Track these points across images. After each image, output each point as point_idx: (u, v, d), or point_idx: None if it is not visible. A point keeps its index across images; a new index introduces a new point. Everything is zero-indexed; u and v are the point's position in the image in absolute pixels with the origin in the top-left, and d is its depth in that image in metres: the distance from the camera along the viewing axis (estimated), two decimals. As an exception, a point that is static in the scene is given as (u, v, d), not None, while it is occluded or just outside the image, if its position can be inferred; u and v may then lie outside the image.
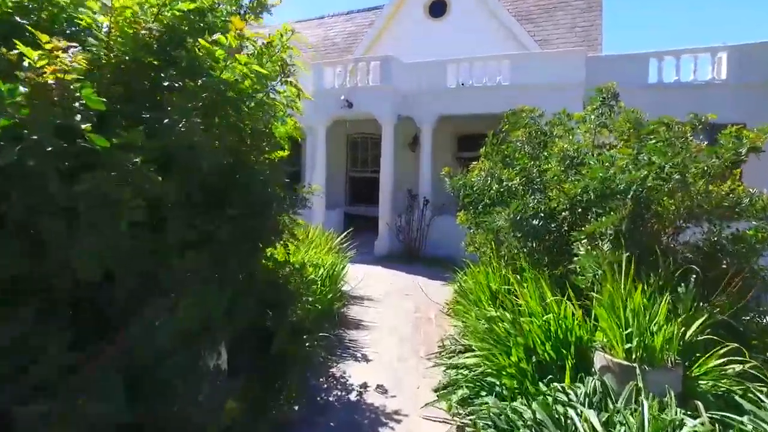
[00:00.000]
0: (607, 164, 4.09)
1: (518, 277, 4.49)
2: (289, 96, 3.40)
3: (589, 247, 3.83)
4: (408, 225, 10.02)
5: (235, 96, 2.80)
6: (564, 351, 3.39)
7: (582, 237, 3.96)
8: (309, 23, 19.01)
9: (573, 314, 3.54)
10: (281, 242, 3.77)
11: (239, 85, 2.78)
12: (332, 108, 10.80)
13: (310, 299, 4.78)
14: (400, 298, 7.06)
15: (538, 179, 4.95)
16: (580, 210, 4.40)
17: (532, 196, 4.78)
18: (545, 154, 5.09)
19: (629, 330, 3.04)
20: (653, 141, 4.02)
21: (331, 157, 15.44)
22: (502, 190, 5.06)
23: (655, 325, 3.01)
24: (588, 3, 14.48)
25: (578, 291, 3.72)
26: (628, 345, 2.99)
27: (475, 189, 5.39)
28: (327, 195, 14.74)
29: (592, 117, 5.07)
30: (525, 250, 4.67)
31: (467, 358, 4.04)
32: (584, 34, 13.83)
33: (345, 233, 8.85)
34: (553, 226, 4.60)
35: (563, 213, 4.54)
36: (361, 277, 7.49)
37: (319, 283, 5.43)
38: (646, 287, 3.22)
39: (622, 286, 3.27)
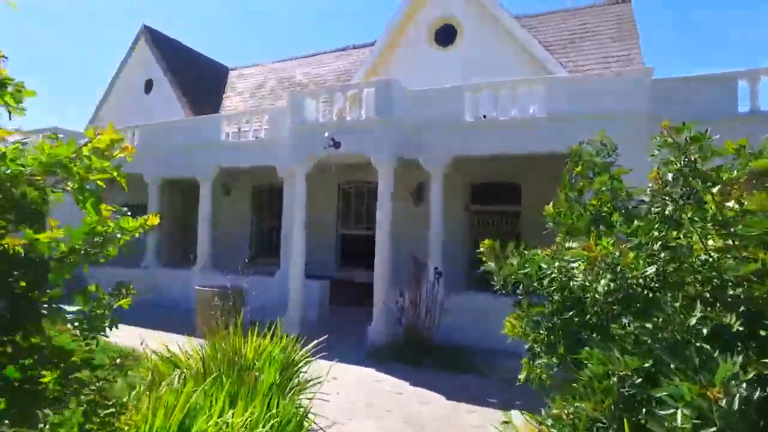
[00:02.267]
0: None
1: None
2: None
3: None
4: (414, 305, 7.29)
5: None
6: None
7: None
8: (300, 61, 17.08)
9: None
10: None
11: None
12: (314, 148, 8.33)
13: None
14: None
15: (701, 267, 2.30)
16: None
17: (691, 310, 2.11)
18: (695, 218, 2.46)
19: None
20: None
21: (317, 211, 12.89)
22: (621, 288, 2.38)
23: None
24: (619, 31, 12.39)
25: None
26: None
27: (558, 286, 2.69)
28: (310, 257, 12.08)
29: None
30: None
31: None
32: (620, 65, 11.60)
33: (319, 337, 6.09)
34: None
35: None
36: (340, 399, 4.70)
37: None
38: None
39: None
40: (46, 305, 1.57)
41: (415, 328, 7.23)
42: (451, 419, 4.72)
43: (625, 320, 2.32)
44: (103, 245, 1.73)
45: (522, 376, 2.84)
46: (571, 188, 3.26)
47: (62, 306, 1.65)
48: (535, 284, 2.91)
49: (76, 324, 1.69)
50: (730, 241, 2.11)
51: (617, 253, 2.43)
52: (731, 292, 2.10)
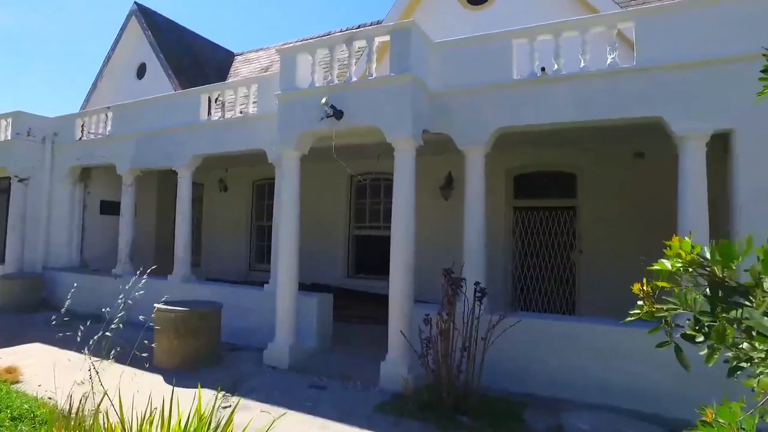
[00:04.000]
0: None
1: None
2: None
3: None
4: (445, 335, 5.09)
5: None
6: None
7: None
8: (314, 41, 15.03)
9: None
10: None
11: None
12: (309, 122, 6.23)
13: None
14: None
15: None
16: None
17: None
18: None
19: None
20: None
21: (323, 209, 10.82)
22: None
23: None
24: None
25: None
26: None
27: None
28: (313, 264, 10.00)
29: None
30: None
31: None
32: None
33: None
34: None
35: None
36: None
37: None
38: None
39: None
40: None
41: (446, 368, 5.03)
42: None
43: None
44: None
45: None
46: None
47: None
48: None
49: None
50: None
51: None
52: None
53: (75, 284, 10.62)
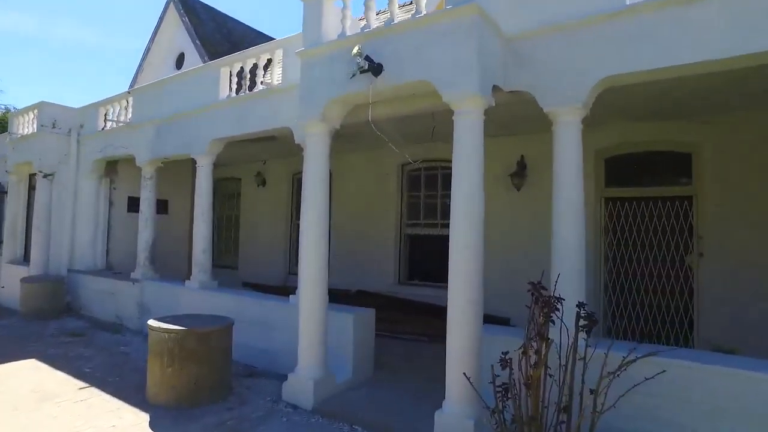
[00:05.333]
0: None
1: None
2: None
3: None
4: (532, 386, 3.37)
5: None
6: None
7: None
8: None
9: None
10: None
11: None
12: (337, 85, 4.70)
13: None
14: None
15: None
16: None
17: None
18: None
19: None
20: None
21: (368, 203, 9.31)
22: None
23: None
24: None
25: None
26: None
27: None
28: (355, 268, 8.58)
29: None
30: None
31: None
32: None
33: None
34: None
35: None
36: None
37: None
38: None
39: None
40: None
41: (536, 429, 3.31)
42: None
43: None
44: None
45: None
46: None
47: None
48: None
49: None
50: None
51: None
52: None
53: (95, 289, 9.85)
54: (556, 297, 3.39)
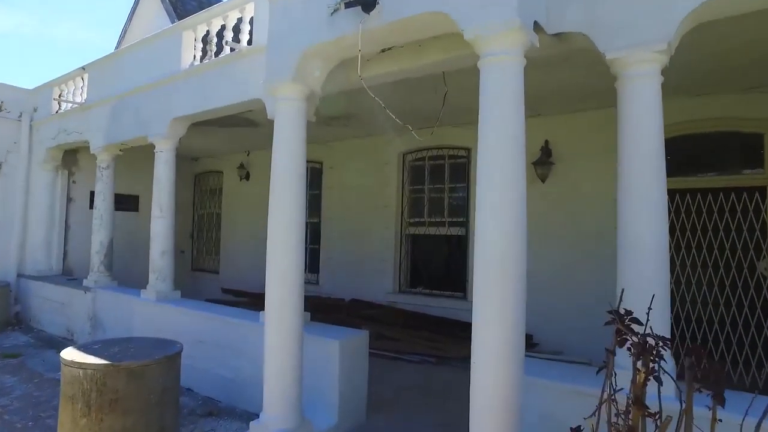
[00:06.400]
0: None
1: None
2: None
3: None
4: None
5: None
6: None
7: None
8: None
9: None
10: None
11: None
12: (315, 26, 3.40)
13: None
14: None
15: None
16: None
17: None
18: None
19: None
20: None
21: (364, 196, 8.02)
22: None
23: None
24: None
25: None
26: None
27: None
28: (349, 274, 7.35)
29: None
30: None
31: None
32: None
33: None
34: None
35: None
36: None
37: None
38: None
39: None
40: None
41: None
42: None
43: None
44: None
45: None
46: None
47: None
48: None
49: None
50: None
51: None
52: None
53: (46, 297, 8.58)
54: (655, 336, 2.09)
